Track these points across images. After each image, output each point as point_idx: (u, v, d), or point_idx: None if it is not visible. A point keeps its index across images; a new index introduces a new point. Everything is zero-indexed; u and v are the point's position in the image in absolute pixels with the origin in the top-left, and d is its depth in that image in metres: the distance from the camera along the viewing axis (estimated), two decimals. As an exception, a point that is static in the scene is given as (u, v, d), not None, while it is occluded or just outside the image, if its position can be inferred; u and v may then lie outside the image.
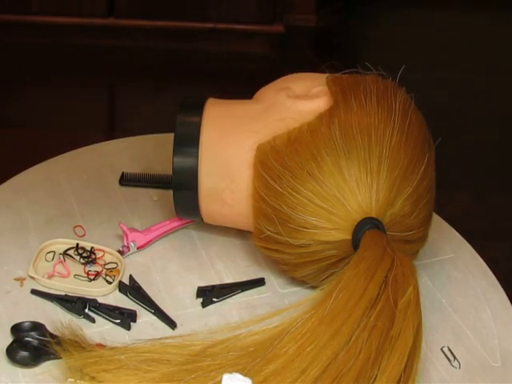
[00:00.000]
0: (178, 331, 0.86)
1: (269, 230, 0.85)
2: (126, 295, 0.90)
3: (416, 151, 0.85)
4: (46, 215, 1.00)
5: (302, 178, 0.83)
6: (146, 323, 0.87)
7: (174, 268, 0.94)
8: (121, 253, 0.94)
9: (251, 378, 0.73)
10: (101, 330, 0.85)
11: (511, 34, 3.10)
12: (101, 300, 0.88)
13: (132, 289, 0.90)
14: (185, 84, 2.55)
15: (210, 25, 2.70)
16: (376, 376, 0.74)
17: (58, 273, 0.91)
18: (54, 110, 2.44)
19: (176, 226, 0.98)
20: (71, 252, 0.93)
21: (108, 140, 1.17)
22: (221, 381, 0.73)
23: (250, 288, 0.92)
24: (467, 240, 1.01)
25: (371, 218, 0.82)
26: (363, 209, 0.82)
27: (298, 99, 0.89)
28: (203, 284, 0.91)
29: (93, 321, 0.86)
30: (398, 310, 0.76)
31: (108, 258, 0.94)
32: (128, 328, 0.86)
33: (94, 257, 0.93)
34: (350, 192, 0.82)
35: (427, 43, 2.92)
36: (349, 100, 0.86)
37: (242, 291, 0.91)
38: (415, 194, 0.84)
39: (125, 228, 0.95)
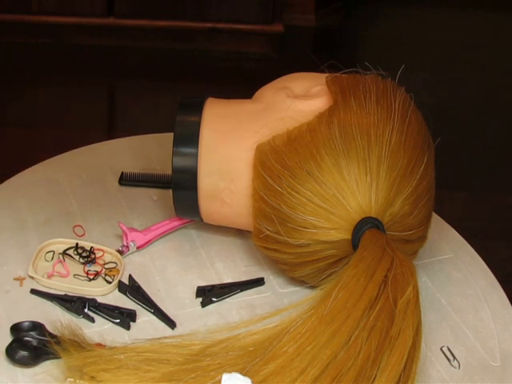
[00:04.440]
0: (177, 331, 0.86)
1: (268, 230, 0.85)
2: (126, 295, 0.90)
3: (415, 151, 0.85)
4: (46, 215, 1.00)
5: (301, 177, 0.83)
6: (146, 323, 0.87)
7: (173, 268, 0.94)
8: (120, 252, 0.94)
9: (251, 377, 0.73)
10: (100, 329, 0.85)
11: (511, 34, 3.10)
12: (100, 300, 0.88)
13: (131, 288, 0.90)
14: (184, 84, 2.55)
15: (210, 25, 2.70)
16: (375, 376, 0.73)
17: (57, 272, 0.91)
18: (53, 109, 2.44)
19: (175, 225, 0.98)
20: (71, 252, 0.93)
21: (108, 140, 1.17)
22: (220, 380, 0.73)
23: (250, 288, 0.92)
24: (467, 240, 1.01)
25: (371, 218, 0.82)
26: (363, 208, 0.82)
27: (298, 99, 0.89)
28: (203, 284, 0.91)
29: (92, 320, 0.86)
30: (397, 310, 0.76)
31: (107, 257, 0.94)
32: (127, 328, 0.86)
33: (93, 256, 0.93)
34: (349, 192, 0.82)
35: (427, 43, 2.92)
36: (348, 100, 0.86)
37: (242, 291, 0.91)
38: (415, 193, 0.84)
39: (124, 228, 0.95)
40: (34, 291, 0.89)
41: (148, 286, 0.90)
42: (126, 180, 1.06)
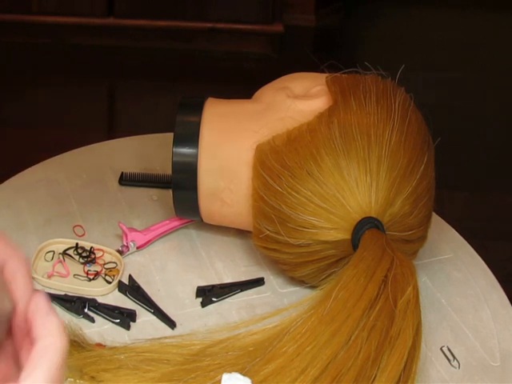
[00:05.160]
0: (177, 331, 0.86)
1: (268, 230, 0.85)
2: (126, 295, 0.90)
3: (415, 151, 0.85)
4: (46, 215, 1.00)
5: (301, 177, 0.83)
6: (146, 323, 0.87)
7: (173, 268, 0.94)
8: (120, 252, 0.94)
9: (251, 377, 0.72)
10: (100, 329, 0.85)
11: (511, 34, 3.10)
12: (100, 300, 0.88)
13: (131, 288, 0.90)
14: (184, 84, 2.55)
15: (210, 24, 2.70)
16: (375, 376, 0.74)
17: (57, 272, 0.91)
18: (53, 109, 2.44)
19: (175, 225, 0.98)
20: (71, 252, 0.93)
21: (108, 140, 1.17)
22: (220, 380, 0.73)
23: (250, 288, 0.92)
24: (467, 240, 1.01)
25: (371, 218, 0.82)
26: (363, 208, 0.82)
27: (298, 99, 0.89)
28: (203, 284, 0.91)
29: (92, 320, 0.86)
30: (397, 310, 0.76)
31: (107, 257, 0.94)
32: (127, 328, 0.86)
33: (93, 256, 0.93)
34: (349, 192, 0.82)
35: (427, 42, 2.92)
36: (348, 100, 0.86)
37: (242, 291, 0.91)
38: (415, 193, 0.84)
39: (124, 228, 0.95)
40: (33, 291, 0.88)
41: (148, 286, 0.90)
42: (125, 180, 1.06)
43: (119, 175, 1.07)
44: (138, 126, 2.29)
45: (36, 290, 0.48)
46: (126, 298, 0.89)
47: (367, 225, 0.82)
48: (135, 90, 2.59)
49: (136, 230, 0.95)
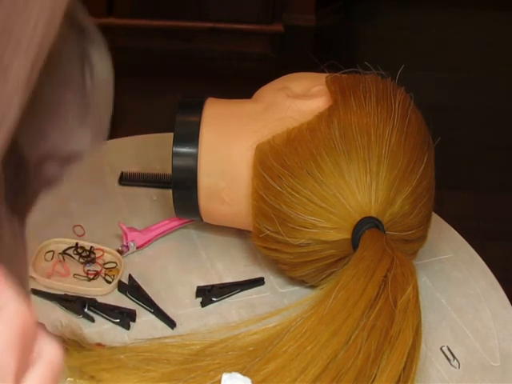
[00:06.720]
0: (177, 331, 0.86)
1: (268, 230, 0.85)
2: (126, 295, 0.89)
3: (415, 151, 0.85)
4: (46, 214, 0.99)
5: (301, 177, 0.83)
6: (146, 323, 0.87)
7: (173, 267, 0.94)
8: (120, 252, 0.94)
9: (251, 377, 0.72)
10: (100, 329, 0.85)
11: (511, 34, 3.10)
12: (100, 299, 0.88)
13: (131, 288, 0.90)
14: (184, 83, 2.55)
15: (210, 24, 2.70)
16: (375, 375, 0.74)
17: (57, 272, 0.91)
18: (53, 109, 2.43)
19: (175, 225, 0.98)
20: (70, 251, 0.93)
21: (108, 140, 1.17)
22: (220, 380, 0.73)
23: (250, 287, 0.92)
24: (467, 240, 1.01)
25: (371, 218, 0.82)
26: (363, 208, 0.82)
27: (298, 99, 0.89)
28: (202, 283, 0.91)
29: (92, 320, 0.86)
30: (397, 310, 0.76)
31: (107, 257, 0.94)
32: (127, 327, 0.86)
33: (93, 256, 0.93)
34: (349, 191, 0.82)
35: (427, 42, 2.92)
36: (348, 100, 0.86)
37: (242, 291, 0.91)
38: (414, 193, 0.84)
39: (124, 227, 0.95)
40: (33, 291, 0.88)
41: (148, 286, 0.90)
42: (126, 180, 1.06)
43: (119, 175, 1.07)
44: (138, 126, 2.29)
45: None
46: (125, 297, 0.89)
47: (367, 225, 0.82)
48: (135, 89, 2.59)
49: (136, 230, 0.95)
